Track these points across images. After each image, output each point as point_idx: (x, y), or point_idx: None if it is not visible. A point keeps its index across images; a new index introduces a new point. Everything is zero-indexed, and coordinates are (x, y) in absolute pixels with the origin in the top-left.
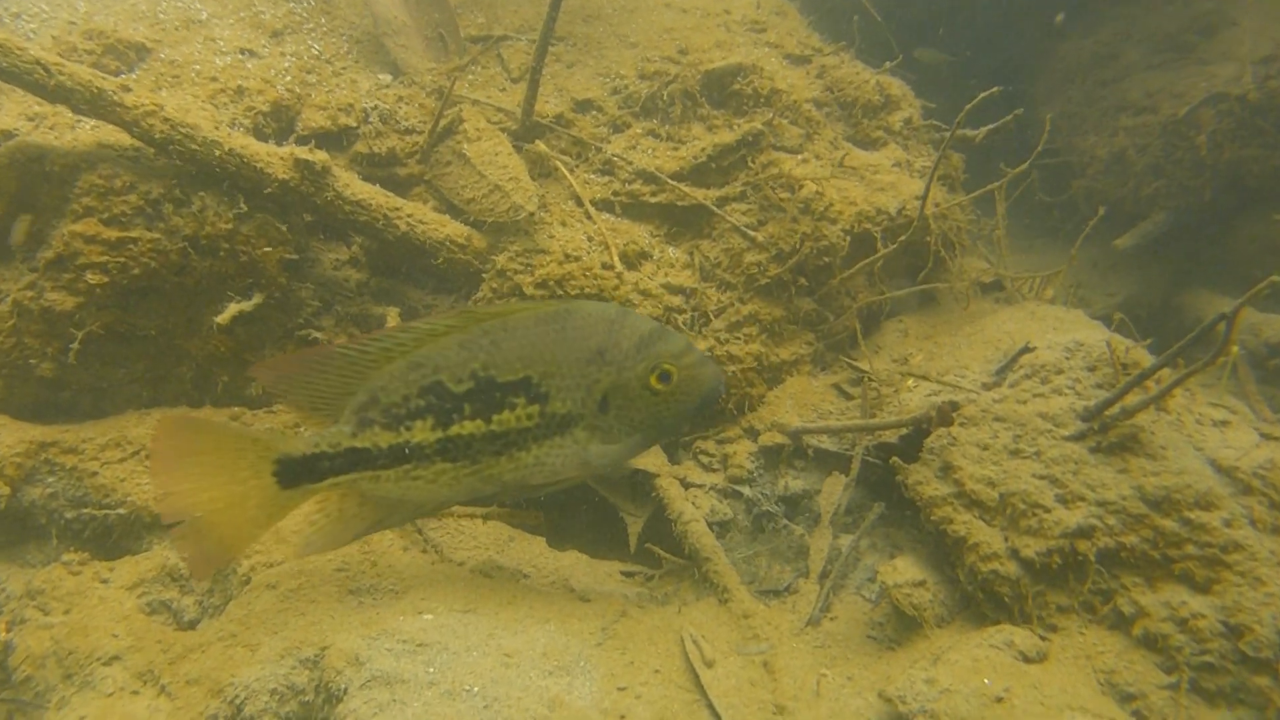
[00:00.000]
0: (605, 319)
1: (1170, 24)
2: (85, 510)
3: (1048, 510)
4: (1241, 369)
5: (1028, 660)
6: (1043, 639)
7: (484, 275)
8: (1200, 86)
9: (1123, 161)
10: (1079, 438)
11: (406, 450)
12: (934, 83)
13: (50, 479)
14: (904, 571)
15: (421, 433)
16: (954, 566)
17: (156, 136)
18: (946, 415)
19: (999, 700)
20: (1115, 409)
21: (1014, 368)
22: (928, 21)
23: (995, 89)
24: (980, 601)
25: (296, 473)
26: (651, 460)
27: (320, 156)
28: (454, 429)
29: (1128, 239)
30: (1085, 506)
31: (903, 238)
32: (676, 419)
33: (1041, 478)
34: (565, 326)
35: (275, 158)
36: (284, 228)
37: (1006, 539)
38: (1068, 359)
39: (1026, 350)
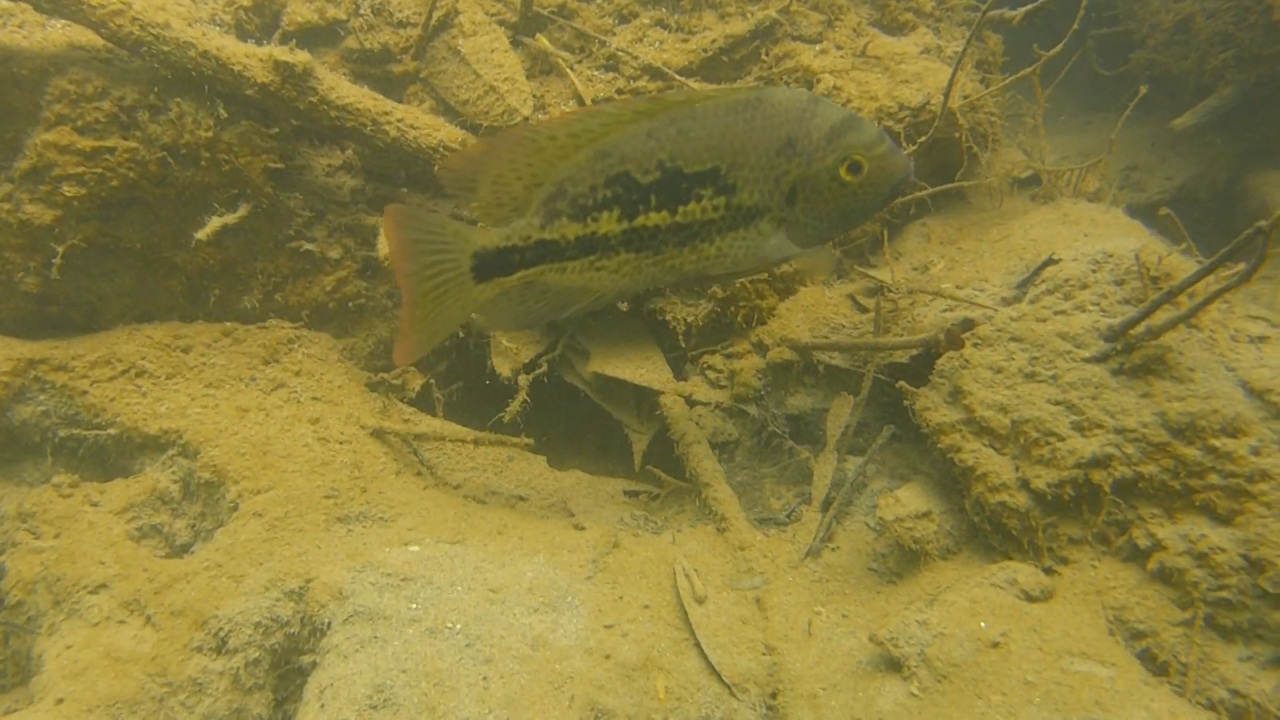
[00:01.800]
0: (796, 107)
1: None
2: (76, 430)
3: (1062, 439)
4: None
5: (1031, 599)
6: (1051, 572)
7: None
8: None
9: (1188, 29)
10: (1101, 359)
11: (593, 241)
12: None
13: (41, 396)
14: (906, 503)
15: (608, 224)
16: (962, 495)
17: (126, 38)
18: (956, 338)
19: (995, 645)
20: (1140, 328)
21: (1036, 281)
22: None
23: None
24: (988, 534)
25: (490, 266)
26: (657, 376)
27: (301, 58)
28: (639, 220)
29: (1188, 118)
30: (1103, 434)
31: (922, 139)
32: (863, 210)
33: (1057, 403)
34: (754, 116)
35: (254, 59)
36: (269, 134)
37: (1017, 469)
38: (1094, 272)
39: (1050, 262)
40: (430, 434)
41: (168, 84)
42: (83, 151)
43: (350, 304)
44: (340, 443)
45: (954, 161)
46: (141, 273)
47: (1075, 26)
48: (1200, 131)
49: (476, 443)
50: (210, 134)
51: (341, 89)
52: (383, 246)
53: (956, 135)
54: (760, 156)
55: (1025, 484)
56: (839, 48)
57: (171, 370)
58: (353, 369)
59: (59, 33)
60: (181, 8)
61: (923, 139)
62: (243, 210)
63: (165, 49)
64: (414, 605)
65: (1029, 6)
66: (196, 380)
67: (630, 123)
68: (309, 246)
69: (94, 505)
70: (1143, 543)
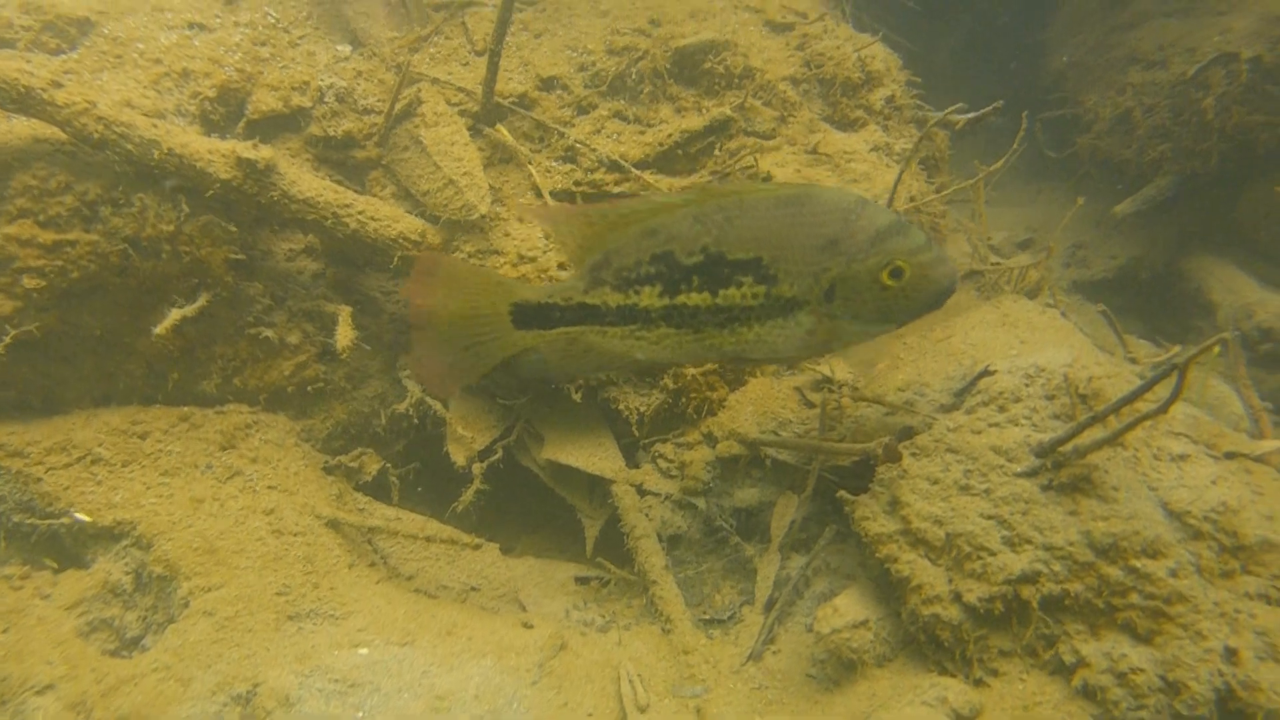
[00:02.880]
0: (842, 208)
1: None
2: (30, 518)
3: (993, 554)
4: (1233, 351)
5: (960, 718)
6: (981, 684)
7: None
8: (1213, 41)
9: (1128, 122)
10: (1031, 474)
11: (634, 312)
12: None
13: None
14: (844, 612)
15: (649, 298)
16: (900, 602)
17: (90, 136)
18: (893, 452)
19: None
20: (1069, 446)
21: (973, 391)
22: None
23: (998, 103)
24: (922, 643)
25: (529, 317)
26: (609, 464)
27: (264, 154)
28: (680, 298)
29: (1128, 205)
30: (1032, 550)
31: None
32: (903, 314)
33: (989, 518)
34: (801, 211)
35: (217, 155)
36: (231, 227)
37: (950, 581)
38: (1027, 386)
39: (987, 373)
40: (383, 527)
41: (130, 179)
42: (44, 245)
43: (309, 387)
44: (294, 535)
45: None
46: (101, 357)
47: (1016, 146)
48: (1140, 216)
49: (428, 540)
50: (172, 227)
51: (303, 183)
52: (342, 337)
53: None
54: (803, 251)
55: (958, 597)
56: (791, 143)
57: (128, 457)
58: (310, 452)
59: (23, 125)
60: (146, 101)
61: None
62: (202, 300)
63: (129, 147)
64: (359, 714)
65: (972, 114)
66: (152, 468)
67: (680, 208)
68: (268, 333)
69: (45, 598)
70: (1068, 658)
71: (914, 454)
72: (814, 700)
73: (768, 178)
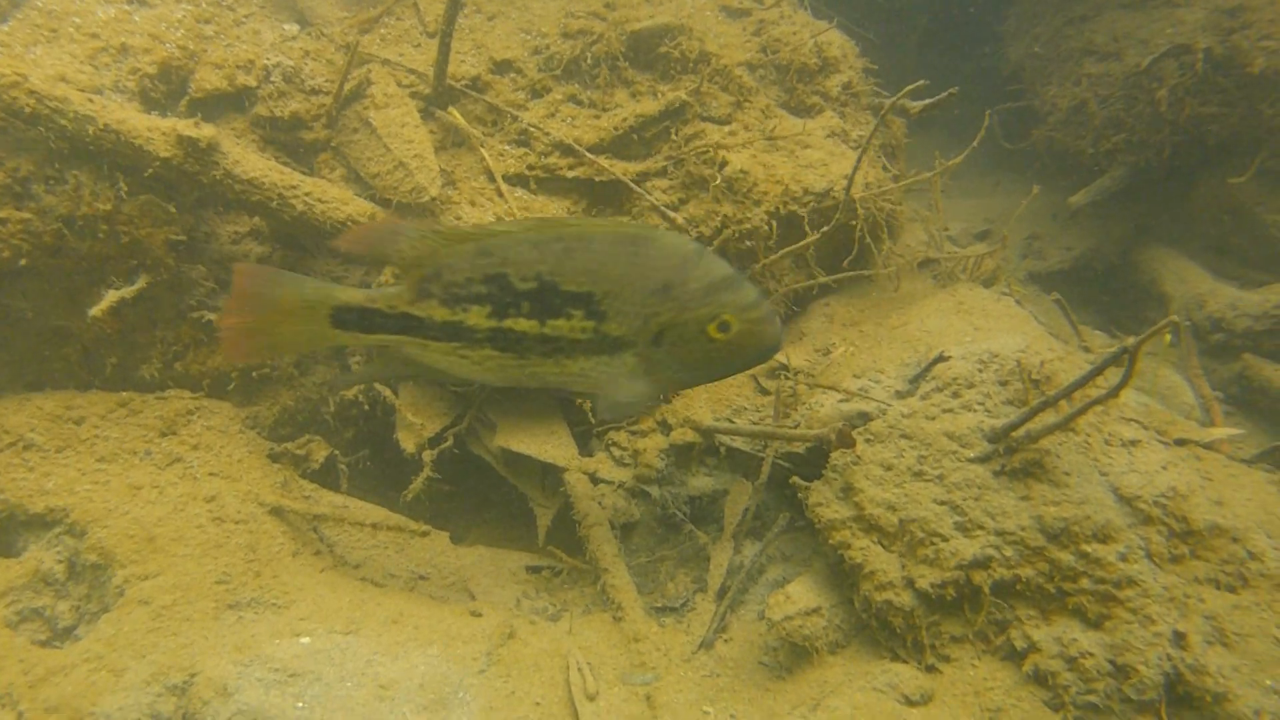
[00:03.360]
0: (680, 254)
1: None
2: None
3: (945, 539)
4: (1185, 342)
5: (911, 704)
6: (933, 670)
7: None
8: (1166, 33)
9: (1083, 113)
10: (983, 460)
11: (459, 330)
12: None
13: None
14: (796, 600)
15: (476, 318)
16: (852, 590)
17: (21, 110)
18: (846, 438)
19: None
20: (1021, 431)
21: (927, 377)
22: None
23: (921, 82)
24: (874, 630)
25: (349, 321)
26: (562, 452)
27: (206, 132)
28: (508, 322)
29: (1082, 196)
30: (984, 536)
31: (825, 228)
32: (724, 368)
33: (942, 503)
34: (639, 252)
35: (156, 133)
36: (171, 207)
37: (903, 567)
38: (980, 372)
39: (941, 359)
40: (330, 515)
41: (65, 156)
42: None
43: (254, 373)
44: (236, 522)
45: (852, 245)
46: (34, 340)
47: (974, 144)
48: (1094, 208)
49: (375, 527)
50: (109, 206)
51: (247, 162)
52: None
53: (853, 224)
54: (636, 293)
55: (910, 583)
56: (747, 129)
57: (62, 443)
58: (255, 439)
59: None
60: (82, 76)
61: (825, 228)
62: (141, 282)
63: (63, 123)
64: (300, 704)
65: (928, 101)
66: (88, 454)
67: (520, 233)
68: (211, 317)
69: None
70: (1019, 644)
71: (868, 440)
72: (766, 688)
73: (724, 164)
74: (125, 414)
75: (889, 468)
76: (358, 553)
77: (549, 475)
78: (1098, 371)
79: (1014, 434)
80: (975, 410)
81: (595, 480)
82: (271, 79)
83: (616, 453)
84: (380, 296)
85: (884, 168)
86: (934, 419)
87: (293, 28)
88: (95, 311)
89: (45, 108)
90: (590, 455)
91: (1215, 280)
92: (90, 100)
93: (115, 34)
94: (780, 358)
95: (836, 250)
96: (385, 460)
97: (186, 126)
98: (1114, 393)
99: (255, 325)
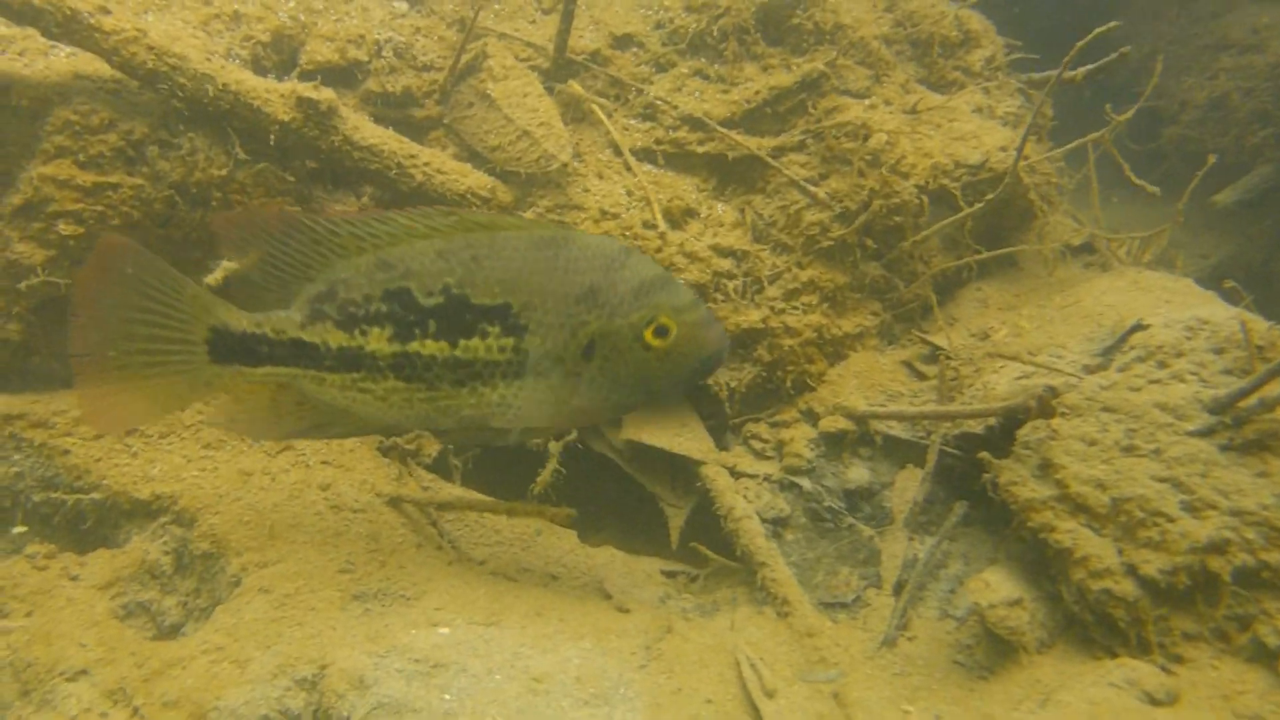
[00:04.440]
0: (605, 255)
1: None
2: (55, 494)
3: (1171, 520)
4: None
5: (1155, 703)
6: (1166, 672)
7: None
8: None
9: (1224, 107)
10: (1206, 433)
11: (358, 357)
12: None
13: (16, 456)
14: (997, 588)
15: (377, 341)
16: (1055, 581)
17: (140, 68)
18: (1047, 405)
19: None
20: (1251, 400)
21: (1123, 348)
22: None
23: (1113, 24)
24: (1089, 625)
25: (231, 350)
26: (696, 445)
27: (326, 95)
28: (414, 345)
29: (1229, 194)
30: (1217, 516)
31: (990, 195)
32: (666, 383)
33: (1162, 480)
34: (559, 256)
35: (275, 95)
36: (287, 175)
37: (1121, 552)
38: (1189, 339)
39: (1139, 328)
40: (455, 502)
41: (180, 117)
42: (83, 187)
43: None
44: (355, 511)
45: (1007, 224)
46: None
47: (1150, 89)
48: (1238, 210)
49: (510, 513)
50: (224, 172)
51: (365, 129)
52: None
53: (1020, 196)
54: (559, 301)
55: (1132, 569)
56: (888, 104)
57: (165, 429)
58: None
59: (63, 62)
60: (195, 42)
61: (989, 196)
62: (253, 255)
63: (181, 80)
64: (447, 696)
65: (1092, 65)
66: (193, 440)
67: (422, 237)
68: None
69: (73, 579)
70: (1270, 640)
71: (1063, 413)
72: (968, 688)
73: (867, 136)
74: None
75: (1092, 442)
76: (481, 549)
77: (679, 473)
78: None
79: (1242, 404)
80: (1187, 380)
81: (735, 475)
82: (383, 54)
83: (757, 445)
84: (266, 320)
85: (1034, 140)
86: (1139, 390)
87: (402, 5)
88: (210, 280)
89: (164, 64)
90: (726, 450)
91: None
92: (209, 59)
93: (228, 2)
94: (936, 340)
95: (988, 230)
96: (495, 461)
97: (306, 89)
98: None
99: (109, 324)
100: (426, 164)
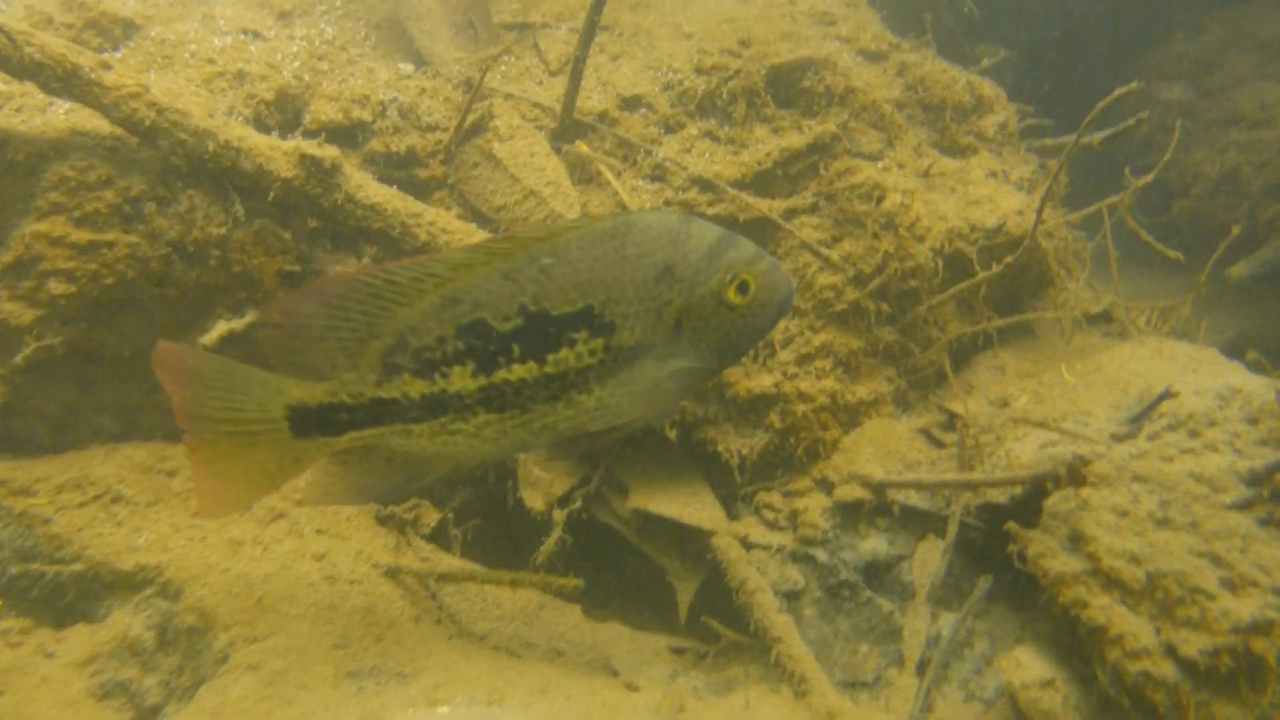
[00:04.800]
0: (668, 229)
1: None
2: (34, 565)
3: (1211, 597)
4: None
5: None
6: None
7: None
8: None
9: (1236, 180)
10: (1244, 506)
11: (443, 401)
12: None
13: None
14: (1029, 667)
15: (460, 380)
16: (1088, 662)
17: (141, 124)
18: (1078, 473)
19: None
20: None
21: (1152, 416)
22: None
23: (1134, 85)
24: (1126, 710)
25: (311, 424)
26: (707, 514)
27: (330, 153)
28: (499, 374)
29: (1244, 267)
30: (1259, 594)
31: (1009, 259)
32: (753, 336)
33: (1200, 555)
34: (625, 243)
35: (278, 152)
36: (286, 234)
37: (1158, 631)
38: (1221, 408)
39: (1167, 395)
40: (456, 574)
41: (179, 175)
42: (77, 245)
43: None
44: (350, 583)
45: (1023, 290)
46: (125, 384)
47: (1168, 155)
48: (1254, 284)
49: (514, 584)
50: (223, 230)
51: (369, 188)
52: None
53: (1038, 261)
54: (638, 287)
55: (1171, 650)
56: (901, 166)
57: (153, 497)
58: None
59: (61, 118)
60: (198, 99)
61: (1009, 259)
62: (250, 316)
63: (182, 136)
64: None
65: (1110, 130)
66: (182, 508)
67: (483, 265)
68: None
69: (49, 656)
70: None
71: (1091, 483)
72: None
73: (881, 199)
74: None
75: (1124, 514)
76: (482, 623)
77: (688, 544)
78: None
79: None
80: (1221, 450)
81: (747, 545)
82: (387, 114)
83: (769, 515)
84: (340, 387)
85: (1050, 206)
86: (1171, 460)
87: (408, 67)
88: (206, 340)
89: (165, 120)
90: (737, 520)
91: None
92: (211, 116)
93: (232, 61)
94: (955, 406)
95: (1003, 296)
96: (499, 531)
97: (310, 146)
98: None
99: (201, 421)
100: (431, 223)
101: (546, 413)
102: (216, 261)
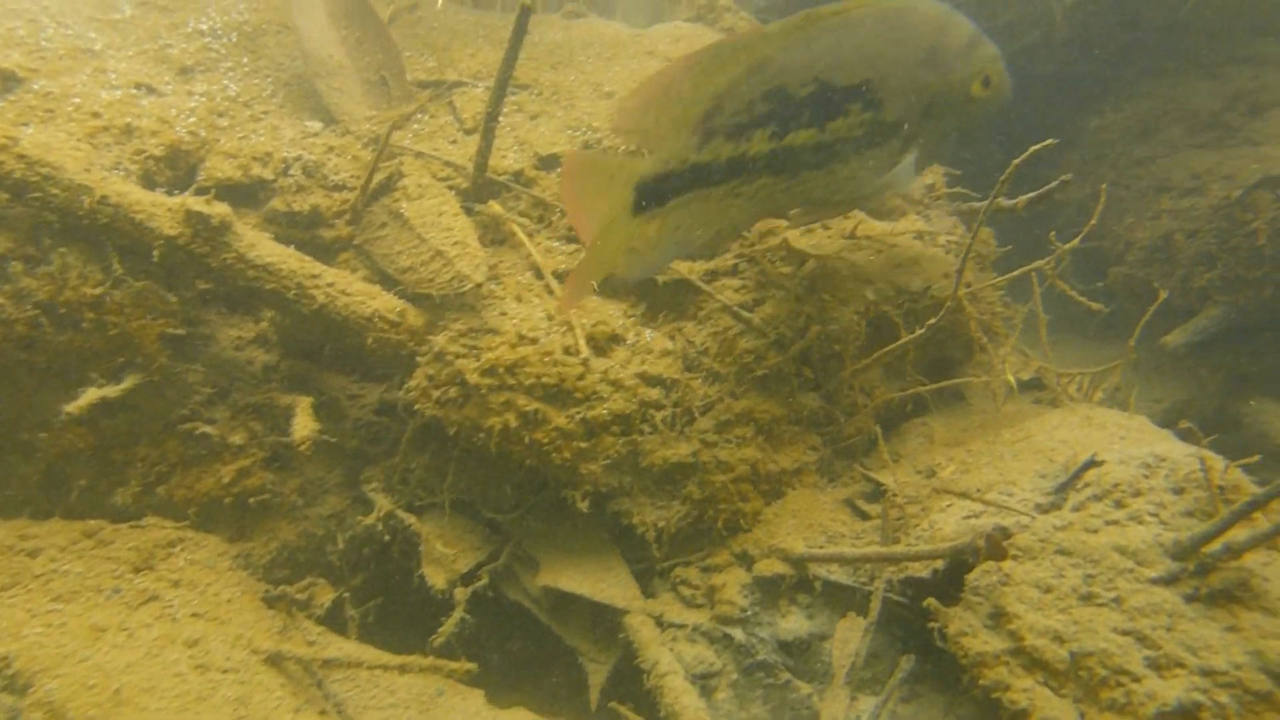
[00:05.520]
0: (936, 17)
1: (1212, 102)
2: None
3: (1136, 679)
4: None
5: None
6: None
7: (419, 359)
8: (1253, 169)
9: (1169, 247)
10: (1170, 581)
11: (741, 163)
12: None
13: None
14: None
15: (759, 143)
16: None
17: (8, 177)
18: (998, 546)
19: None
20: (1216, 545)
21: (1078, 485)
22: None
23: (1050, 140)
24: None
25: (649, 196)
26: (620, 591)
27: (220, 209)
28: (788, 138)
29: (1178, 335)
30: (1186, 676)
31: (932, 320)
32: (978, 128)
33: (1125, 633)
34: (903, 24)
35: (162, 209)
36: (171, 296)
37: (1082, 715)
38: (1147, 477)
39: (1093, 464)
40: (343, 659)
41: (52, 232)
42: None
43: (251, 500)
44: (224, 671)
45: (953, 357)
46: None
47: (1094, 220)
48: (1188, 353)
49: (403, 669)
50: (99, 291)
51: (263, 247)
52: (301, 427)
53: (962, 325)
54: (906, 68)
55: None
56: (826, 228)
57: (10, 579)
58: (248, 580)
59: None
60: (79, 155)
61: (932, 320)
62: (128, 382)
63: (54, 191)
64: None
65: (1033, 194)
66: (42, 592)
67: (783, 36)
68: (206, 429)
69: None
70: None
71: (1015, 557)
72: None
73: (804, 261)
74: (91, 545)
75: (1048, 589)
76: (372, 713)
77: (601, 623)
78: None
79: (1206, 548)
80: (1147, 522)
81: (662, 625)
82: (290, 172)
83: (686, 592)
84: (671, 156)
85: (978, 270)
86: (1096, 532)
87: (315, 125)
88: (72, 408)
89: (35, 174)
90: (653, 598)
91: None
92: (87, 170)
93: (119, 114)
94: (880, 478)
95: (933, 363)
96: (405, 613)
97: (197, 202)
98: None
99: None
100: (330, 284)
101: (809, 179)
102: (91, 324)
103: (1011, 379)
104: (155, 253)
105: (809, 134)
